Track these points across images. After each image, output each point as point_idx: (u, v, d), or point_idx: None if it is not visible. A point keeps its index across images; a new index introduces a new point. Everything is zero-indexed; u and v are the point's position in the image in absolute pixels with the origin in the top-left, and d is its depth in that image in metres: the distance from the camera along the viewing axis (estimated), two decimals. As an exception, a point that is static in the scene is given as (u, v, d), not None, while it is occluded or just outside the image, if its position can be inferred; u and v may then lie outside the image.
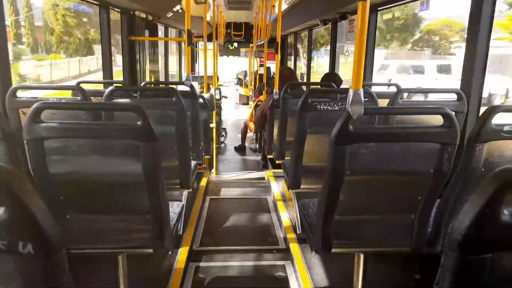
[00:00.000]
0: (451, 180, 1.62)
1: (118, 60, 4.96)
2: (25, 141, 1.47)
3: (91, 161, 1.59)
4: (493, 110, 1.49)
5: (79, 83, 3.03)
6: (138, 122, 1.46)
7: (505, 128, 1.48)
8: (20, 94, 2.32)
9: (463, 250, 0.70)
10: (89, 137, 1.53)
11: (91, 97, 2.57)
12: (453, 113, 1.51)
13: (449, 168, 1.53)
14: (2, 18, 2.13)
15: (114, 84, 3.09)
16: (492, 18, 2.30)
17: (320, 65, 15.02)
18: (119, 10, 4.16)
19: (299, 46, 9.13)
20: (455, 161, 1.53)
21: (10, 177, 0.66)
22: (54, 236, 0.68)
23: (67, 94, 3.02)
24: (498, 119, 1.51)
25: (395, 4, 3.60)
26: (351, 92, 1.45)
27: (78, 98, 2.37)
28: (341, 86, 3.93)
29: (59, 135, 1.49)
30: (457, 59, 14.68)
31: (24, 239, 0.65)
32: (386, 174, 1.62)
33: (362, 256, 1.86)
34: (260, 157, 5.61)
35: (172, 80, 7.82)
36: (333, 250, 1.67)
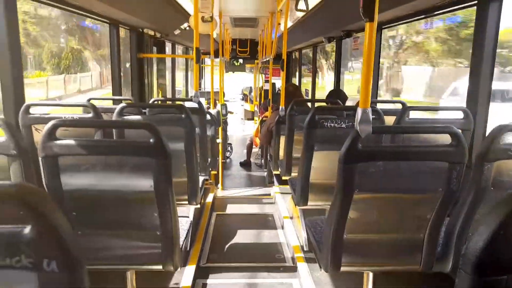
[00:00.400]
0: (460, 199, 1.62)
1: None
2: (40, 158, 1.50)
3: (103, 177, 1.61)
4: (501, 129, 1.50)
5: (89, 99, 3.09)
6: (151, 140, 1.48)
7: None
8: (32, 110, 2.37)
9: (478, 272, 0.71)
10: (103, 154, 1.55)
11: (102, 113, 2.62)
12: (460, 131, 1.53)
13: (458, 187, 1.53)
14: (17, 35, 2.20)
15: (124, 101, 3.14)
16: (496, 36, 2.34)
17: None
18: (129, 28, 4.25)
19: (323, 61, 9.11)
20: (463, 178, 1.54)
21: (34, 195, 0.68)
22: (77, 253, 0.69)
23: (76, 110, 3.07)
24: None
25: (399, 23, 3.66)
26: (359, 111, 1.47)
27: (90, 114, 2.41)
28: (346, 103, 3.97)
29: (74, 152, 1.52)
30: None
31: (49, 257, 0.67)
32: (395, 193, 1.63)
33: (371, 275, 1.85)
34: (265, 172, 5.61)
35: (178, 95, 7.90)
36: (342, 268, 1.66)
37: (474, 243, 0.70)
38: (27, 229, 0.66)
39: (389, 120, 2.82)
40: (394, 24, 3.79)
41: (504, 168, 1.54)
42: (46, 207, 0.67)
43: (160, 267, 1.69)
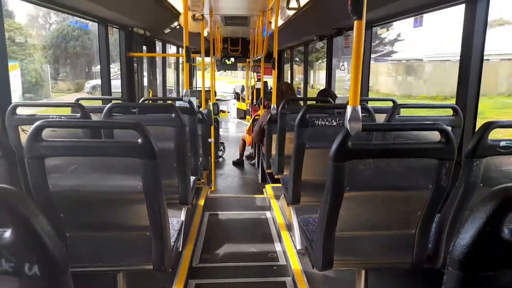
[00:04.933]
0: (450, 195, 1.63)
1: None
2: (25, 159, 1.47)
3: (92, 178, 1.59)
4: (488, 126, 1.51)
5: (78, 99, 3.05)
6: (139, 140, 1.47)
7: (501, 144, 1.50)
8: (19, 111, 2.33)
9: (465, 268, 0.71)
10: (89, 155, 1.53)
11: (91, 114, 2.58)
12: (450, 128, 1.54)
13: (448, 184, 1.54)
14: (2, 38, 2.16)
15: (113, 101, 3.10)
16: (484, 33, 2.36)
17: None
18: (118, 27, 4.21)
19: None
20: (453, 175, 1.55)
21: (15, 198, 0.66)
22: (60, 257, 0.68)
23: (64, 111, 3.03)
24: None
25: (389, 20, 3.68)
26: (349, 109, 1.47)
27: (78, 115, 2.38)
28: (336, 101, 3.97)
29: (60, 153, 1.49)
30: None
31: (31, 261, 0.65)
32: (386, 190, 1.63)
33: (363, 272, 1.85)
34: (258, 171, 5.61)
35: (170, 95, 7.85)
36: (334, 266, 1.66)
37: (461, 240, 0.70)
38: (7, 233, 0.64)
39: (380, 118, 2.83)
40: (384, 22, 3.80)
41: (492, 164, 1.55)
42: (26, 209, 0.65)
43: (150, 267, 1.67)
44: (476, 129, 2.29)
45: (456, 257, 0.71)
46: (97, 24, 3.79)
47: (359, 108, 1.47)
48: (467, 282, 0.72)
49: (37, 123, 1.47)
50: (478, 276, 0.72)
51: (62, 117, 2.39)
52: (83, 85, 13.60)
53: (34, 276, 0.66)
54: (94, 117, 2.80)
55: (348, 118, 1.46)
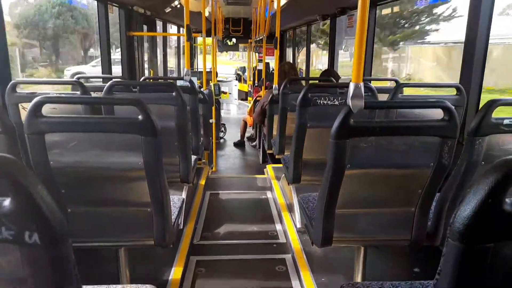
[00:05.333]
0: (451, 174, 1.63)
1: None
2: (26, 135, 1.47)
3: (92, 154, 1.59)
4: (492, 103, 1.50)
5: (78, 78, 3.03)
6: (139, 117, 1.46)
7: (505, 122, 1.48)
8: (19, 90, 2.32)
9: (465, 240, 0.71)
10: (90, 131, 1.53)
11: (91, 92, 2.57)
12: (453, 107, 1.52)
13: (449, 162, 1.53)
14: (0, 15, 2.12)
15: (114, 79, 3.08)
16: (491, 12, 2.31)
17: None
18: (118, 5, 4.14)
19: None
20: (455, 154, 1.54)
21: (15, 167, 0.66)
22: (60, 226, 0.68)
23: (65, 90, 3.02)
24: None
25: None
26: (351, 86, 1.45)
27: (78, 93, 2.36)
28: (340, 81, 3.94)
29: (60, 129, 1.49)
30: None
31: (30, 229, 0.65)
32: (387, 168, 1.63)
33: (362, 249, 1.87)
34: (259, 152, 5.62)
35: (171, 75, 7.80)
36: (333, 243, 1.68)
37: (462, 212, 0.70)
38: (6, 201, 0.64)
39: (383, 98, 2.80)
40: (389, 1, 3.73)
41: (495, 142, 1.54)
42: (25, 178, 0.65)
43: (152, 243, 1.69)
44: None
45: (456, 228, 0.71)
46: (96, 2, 3.73)
47: (361, 85, 1.45)
48: (466, 254, 0.72)
49: (36, 98, 1.46)
50: (478, 248, 0.72)
51: (63, 95, 2.38)
52: (63, 71, 11.24)
53: (34, 244, 0.66)
54: (95, 96, 2.79)
55: (350, 95, 1.44)
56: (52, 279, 0.71)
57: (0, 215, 0.64)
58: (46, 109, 1.50)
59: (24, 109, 2.25)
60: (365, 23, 1.42)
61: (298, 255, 2.49)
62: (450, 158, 1.53)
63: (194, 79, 4.27)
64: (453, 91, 2.50)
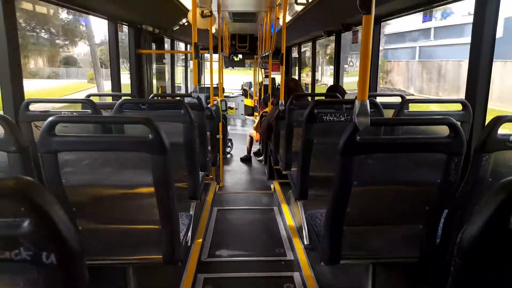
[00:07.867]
0: (459, 190, 1.63)
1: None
2: (39, 154, 1.51)
3: (103, 172, 1.62)
4: (498, 120, 1.50)
5: (89, 96, 3.09)
6: (150, 135, 1.49)
7: (511, 139, 1.49)
8: (32, 107, 2.38)
9: (473, 259, 0.71)
10: (101, 149, 1.56)
11: (101, 110, 2.62)
12: (459, 123, 1.53)
13: (456, 178, 1.54)
14: (15, 34, 2.20)
15: (123, 97, 3.14)
16: (495, 28, 2.33)
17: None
18: (127, 24, 4.25)
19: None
20: (462, 171, 1.54)
21: (32, 188, 0.68)
22: (76, 247, 0.70)
23: (76, 107, 3.08)
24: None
25: (398, 15, 3.65)
26: (357, 103, 1.47)
27: (89, 111, 2.41)
28: (346, 97, 3.96)
29: (73, 148, 1.53)
30: None
31: (48, 250, 0.67)
32: (394, 185, 1.63)
33: (371, 266, 1.86)
34: (266, 167, 5.62)
35: (178, 91, 7.89)
36: (341, 260, 1.67)
37: (469, 231, 0.71)
38: (25, 223, 0.67)
39: (389, 114, 2.82)
40: (393, 17, 3.77)
41: (502, 159, 1.54)
42: (43, 200, 0.67)
43: (160, 260, 1.70)
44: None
45: (463, 248, 0.72)
46: (106, 21, 3.83)
47: (367, 102, 1.47)
48: (474, 273, 0.73)
49: (50, 118, 1.50)
50: (486, 267, 0.72)
51: (74, 113, 2.43)
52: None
53: (51, 265, 0.68)
54: (105, 114, 2.85)
55: (356, 112, 1.46)
56: None
57: (19, 236, 0.66)
58: (58, 128, 1.54)
59: (37, 127, 2.30)
60: (370, 40, 1.45)
61: (306, 273, 2.47)
62: (457, 175, 1.53)
63: (201, 95, 4.32)
64: (459, 107, 2.51)
